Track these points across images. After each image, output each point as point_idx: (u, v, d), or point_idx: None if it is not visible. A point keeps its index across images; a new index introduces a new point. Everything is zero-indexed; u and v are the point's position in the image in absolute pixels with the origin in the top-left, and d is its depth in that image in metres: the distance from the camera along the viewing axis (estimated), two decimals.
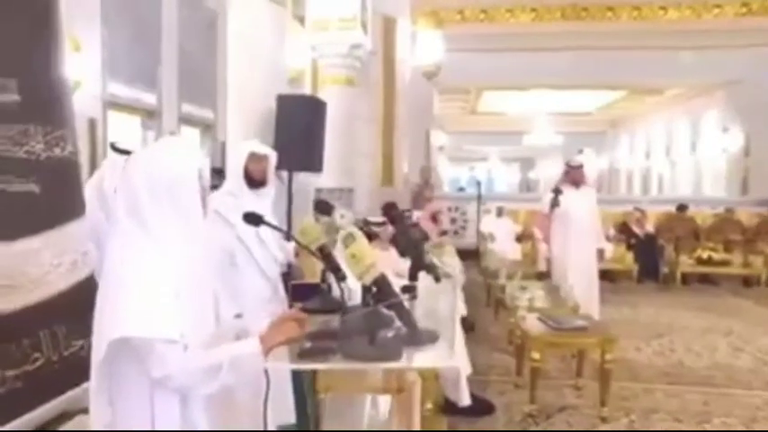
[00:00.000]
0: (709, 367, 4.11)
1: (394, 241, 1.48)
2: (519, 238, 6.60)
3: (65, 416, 1.72)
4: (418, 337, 1.31)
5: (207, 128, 9.16)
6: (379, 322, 1.27)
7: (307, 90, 7.59)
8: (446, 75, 9.74)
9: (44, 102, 1.87)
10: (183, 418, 1.28)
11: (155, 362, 1.17)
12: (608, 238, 6.50)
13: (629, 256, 6.98)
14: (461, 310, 4.23)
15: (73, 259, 1.83)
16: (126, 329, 1.15)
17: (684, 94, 12.74)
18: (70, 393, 1.73)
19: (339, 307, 1.48)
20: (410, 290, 1.37)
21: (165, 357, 1.17)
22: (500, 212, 6.70)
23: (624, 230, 7.30)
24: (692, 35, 9.94)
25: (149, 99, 8.93)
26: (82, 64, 7.80)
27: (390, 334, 1.28)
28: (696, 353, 4.46)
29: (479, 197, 7.16)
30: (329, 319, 1.35)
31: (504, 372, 3.72)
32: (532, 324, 3.17)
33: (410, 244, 1.45)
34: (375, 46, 6.81)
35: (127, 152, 2.55)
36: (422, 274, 1.42)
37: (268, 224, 1.52)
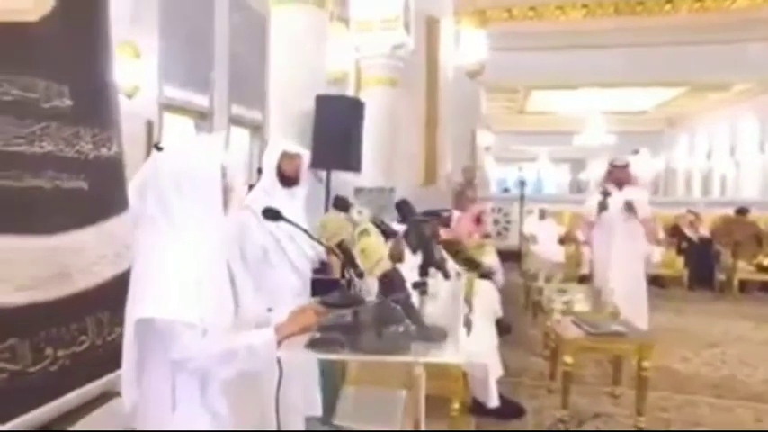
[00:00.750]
0: (766, 381, 3.87)
1: (405, 237, 1.51)
2: (562, 241, 6.44)
3: (106, 395, 1.86)
4: (427, 333, 1.33)
5: (256, 128, 9.51)
6: (388, 316, 1.30)
7: (350, 91, 7.73)
8: (493, 74, 9.63)
9: (93, 106, 2.02)
10: (202, 400, 1.36)
11: (175, 344, 1.26)
12: (657, 242, 6.24)
13: (680, 261, 6.64)
14: (497, 311, 4.20)
15: (116, 251, 1.97)
16: (149, 311, 1.24)
17: (752, 89, 11.97)
18: (111, 375, 1.86)
19: (357, 301, 1.53)
20: (420, 286, 1.40)
21: (184, 340, 1.26)
22: (543, 215, 6.55)
23: (675, 234, 6.95)
24: (764, 25, 9.32)
25: (202, 101, 9.39)
26: (141, 70, 8.27)
27: (400, 329, 1.32)
28: (752, 366, 4.20)
29: (522, 198, 7.03)
30: (344, 313, 1.40)
31: (537, 375, 3.66)
32: (567, 327, 3.11)
33: (421, 240, 1.47)
34: (418, 46, 6.84)
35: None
36: (432, 271, 1.45)
37: (287, 220, 1.58)
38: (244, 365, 1.33)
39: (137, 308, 1.27)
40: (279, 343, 1.31)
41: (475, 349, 2.76)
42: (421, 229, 1.49)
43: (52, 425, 1.75)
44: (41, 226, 1.78)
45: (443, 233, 4.81)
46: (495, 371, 2.91)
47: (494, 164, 15.34)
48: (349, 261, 1.55)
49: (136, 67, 8.04)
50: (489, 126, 13.24)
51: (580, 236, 5.63)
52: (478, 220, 6.14)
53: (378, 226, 1.58)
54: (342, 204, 1.55)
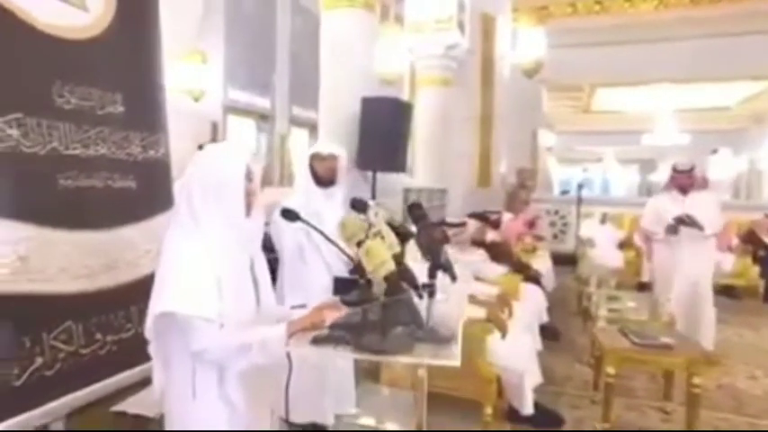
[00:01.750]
0: None
1: (416, 240, 1.53)
2: (621, 245, 6.14)
3: (147, 381, 2.01)
4: (432, 335, 1.35)
5: (313, 128, 9.82)
6: (393, 318, 1.33)
7: (405, 92, 7.77)
8: (556, 72, 9.33)
9: (143, 112, 2.20)
10: (220, 391, 1.44)
11: (193, 336, 1.35)
12: (730, 249, 5.80)
13: (755, 270, 6.11)
14: (542, 317, 4.09)
15: (159, 247, 2.12)
16: (169, 305, 1.34)
17: None
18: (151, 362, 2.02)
19: (374, 301, 1.56)
20: (428, 288, 1.41)
21: (201, 333, 1.35)
22: (603, 218, 6.27)
23: (750, 240, 6.39)
24: None
25: (264, 103, 9.80)
26: (207, 75, 8.74)
27: (406, 330, 1.34)
28: None
29: (579, 200, 6.75)
30: (356, 312, 1.44)
31: (582, 385, 3.52)
32: (611, 336, 2.99)
33: (430, 243, 1.49)
34: (473, 45, 6.77)
35: None
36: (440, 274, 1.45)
37: (303, 221, 1.64)
38: (257, 359, 1.39)
39: (159, 301, 1.37)
40: (288, 338, 1.38)
41: (509, 354, 2.72)
42: (429, 233, 1.51)
43: (99, 404, 1.92)
44: (94, 222, 1.96)
45: (492, 235, 4.75)
46: (533, 378, 2.85)
47: (556, 165, 14.83)
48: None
49: (202, 72, 8.51)
50: (551, 126, 12.83)
51: (637, 241, 5.35)
52: (532, 223, 5.98)
53: (395, 228, 1.61)
54: (359, 205, 1.59)
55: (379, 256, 1.33)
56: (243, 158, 1.49)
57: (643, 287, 5.40)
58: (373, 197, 4.18)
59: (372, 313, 1.37)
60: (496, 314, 2.76)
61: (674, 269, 4.07)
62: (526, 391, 2.70)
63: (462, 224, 3.65)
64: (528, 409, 2.70)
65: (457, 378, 2.74)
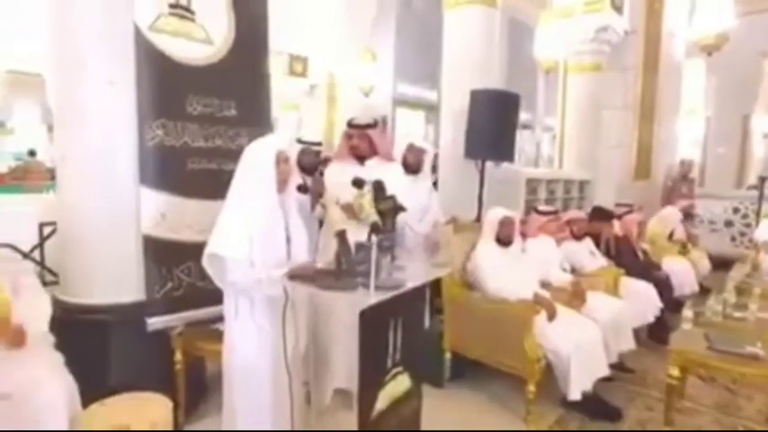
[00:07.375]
0: None
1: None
2: None
3: None
4: (384, 284, 1.72)
5: None
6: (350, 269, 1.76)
7: (560, 79, 7.52)
8: None
9: (251, 113, 2.93)
10: (251, 314, 2.05)
11: (227, 271, 1.97)
12: None
13: None
14: (646, 317, 3.84)
15: None
16: (213, 248, 1.97)
17: None
18: None
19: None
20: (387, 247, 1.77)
21: (232, 270, 1.96)
22: None
23: None
24: None
25: (431, 96, 10.44)
26: (377, 71, 9.71)
27: (357, 280, 1.75)
28: None
29: (760, 197, 5.67)
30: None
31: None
32: (688, 338, 2.78)
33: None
34: (634, 24, 6.26)
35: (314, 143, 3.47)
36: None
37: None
38: (268, 290, 1.96)
39: (209, 245, 2.02)
40: (283, 276, 1.91)
41: (557, 337, 2.80)
42: (381, 204, 1.86)
43: (206, 322, 2.72)
44: (210, 193, 2.74)
45: (617, 228, 4.55)
46: (589, 368, 2.84)
47: None
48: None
49: (373, 69, 9.48)
50: None
51: None
52: (687, 217, 5.40)
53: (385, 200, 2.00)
54: (358, 183, 2.02)
55: (331, 218, 1.76)
56: (273, 148, 2.05)
57: None
58: (481, 185, 4.42)
59: (340, 265, 1.80)
60: (544, 298, 2.85)
61: None
62: (572, 377, 2.74)
63: (555, 212, 3.69)
64: (573, 394, 2.74)
65: (506, 354, 2.94)
